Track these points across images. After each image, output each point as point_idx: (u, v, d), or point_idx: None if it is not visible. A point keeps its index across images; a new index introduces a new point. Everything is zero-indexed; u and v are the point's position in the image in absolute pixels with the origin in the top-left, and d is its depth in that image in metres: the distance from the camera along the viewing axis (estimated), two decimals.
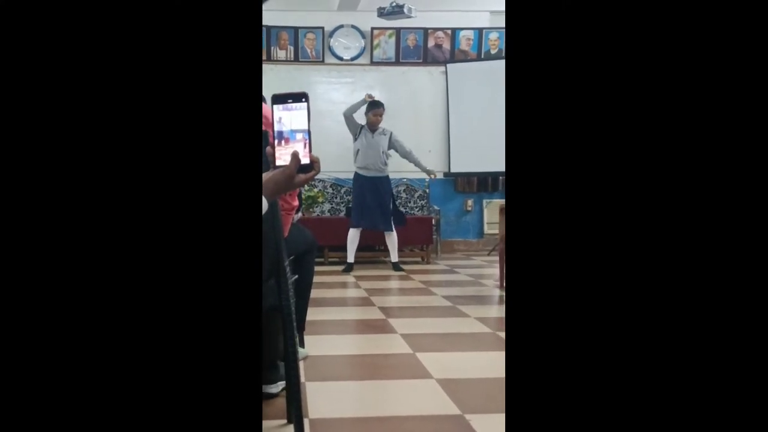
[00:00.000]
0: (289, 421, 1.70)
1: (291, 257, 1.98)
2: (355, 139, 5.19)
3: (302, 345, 2.44)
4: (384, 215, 5.17)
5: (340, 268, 5.28)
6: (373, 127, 5.15)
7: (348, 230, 5.28)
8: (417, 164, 5.36)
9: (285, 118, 1.05)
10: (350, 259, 5.24)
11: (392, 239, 5.24)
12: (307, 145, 1.05)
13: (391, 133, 5.24)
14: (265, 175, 1.07)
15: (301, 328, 2.39)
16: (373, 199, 5.15)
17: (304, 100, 1.05)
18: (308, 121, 1.05)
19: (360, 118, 5.29)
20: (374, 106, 5.14)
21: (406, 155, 5.31)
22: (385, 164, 5.21)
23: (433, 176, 5.64)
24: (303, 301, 2.30)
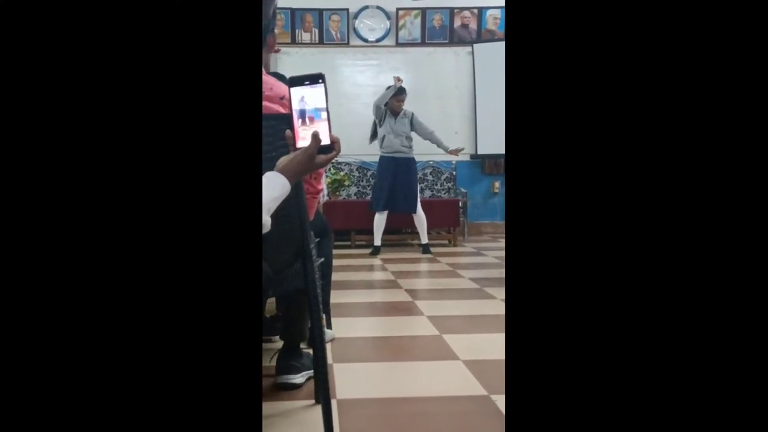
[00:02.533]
0: (317, 402, 1.73)
1: (321, 260, 2.01)
2: (380, 125, 5.17)
3: (329, 327, 2.47)
4: (409, 197, 5.16)
5: (367, 251, 5.30)
6: (395, 112, 5.13)
7: (373, 214, 5.29)
8: (439, 144, 5.28)
9: (306, 98, 1.06)
10: (377, 242, 5.26)
11: (421, 221, 5.23)
12: (328, 126, 1.06)
13: (413, 114, 5.21)
14: (286, 158, 1.08)
15: (327, 310, 2.42)
16: (399, 181, 5.13)
17: (321, 81, 1.05)
18: (326, 101, 1.05)
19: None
20: (398, 93, 5.12)
21: (428, 136, 5.26)
22: (410, 147, 5.19)
23: (457, 154, 5.51)
24: (325, 283, 2.33)
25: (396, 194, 5.13)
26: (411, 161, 5.22)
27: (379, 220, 5.24)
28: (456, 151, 5.38)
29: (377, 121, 5.20)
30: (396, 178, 5.13)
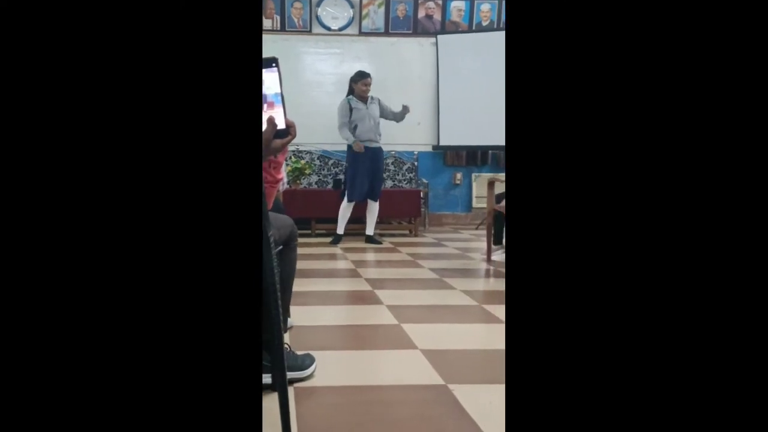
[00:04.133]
0: (273, 389, 1.71)
1: (279, 248, 1.95)
2: (350, 117, 5.09)
3: (288, 314, 2.45)
4: (374, 187, 5.15)
5: (328, 240, 5.27)
6: (363, 98, 5.09)
7: (339, 203, 5.25)
8: (402, 115, 5.28)
9: (265, 83, 1.04)
10: (340, 231, 5.24)
11: (373, 211, 5.23)
12: (284, 110, 1.05)
13: (380, 100, 5.21)
14: None
15: (285, 309, 2.37)
16: (369, 171, 5.11)
17: (274, 65, 1.04)
18: (281, 85, 1.04)
19: (341, 94, 5.23)
20: (363, 76, 5.06)
21: (394, 115, 5.26)
22: (380, 135, 5.18)
23: (408, 111, 5.34)
24: (285, 285, 2.27)
25: (366, 184, 5.11)
26: (380, 152, 5.21)
27: (346, 210, 5.21)
28: (405, 111, 5.30)
29: (345, 118, 5.10)
30: (367, 167, 5.09)
